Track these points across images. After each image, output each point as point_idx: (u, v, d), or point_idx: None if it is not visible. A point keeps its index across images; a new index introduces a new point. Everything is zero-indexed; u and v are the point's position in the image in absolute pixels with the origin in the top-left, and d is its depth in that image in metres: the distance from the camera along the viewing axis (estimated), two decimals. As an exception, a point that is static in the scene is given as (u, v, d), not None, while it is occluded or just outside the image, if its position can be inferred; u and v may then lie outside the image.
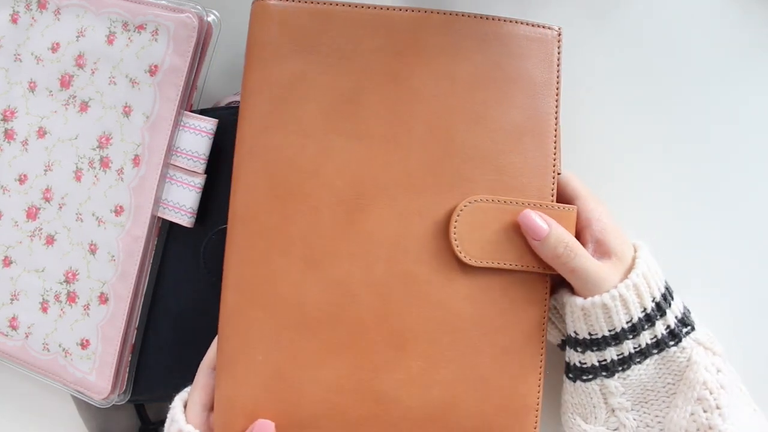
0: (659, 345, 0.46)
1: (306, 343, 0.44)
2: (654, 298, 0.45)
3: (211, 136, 0.49)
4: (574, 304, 0.45)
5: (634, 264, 0.46)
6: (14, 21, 0.52)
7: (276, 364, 0.44)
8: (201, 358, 0.51)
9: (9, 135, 0.52)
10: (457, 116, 0.46)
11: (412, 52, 0.46)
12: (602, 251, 0.46)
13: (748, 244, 0.55)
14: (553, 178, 0.46)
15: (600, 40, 0.56)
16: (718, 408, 0.44)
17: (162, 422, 0.56)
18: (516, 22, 0.46)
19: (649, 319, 0.45)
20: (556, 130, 0.47)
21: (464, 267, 0.45)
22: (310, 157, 0.45)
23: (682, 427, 0.44)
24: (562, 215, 0.46)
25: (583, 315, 0.45)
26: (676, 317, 0.46)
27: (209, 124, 0.49)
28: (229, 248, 0.45)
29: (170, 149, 0.49)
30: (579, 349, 0.46)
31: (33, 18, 0.52)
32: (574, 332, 0.46)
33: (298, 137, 0.45)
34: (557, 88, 0.47)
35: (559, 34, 0.47)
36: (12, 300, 0.52)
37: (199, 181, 0.49)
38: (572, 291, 0.46)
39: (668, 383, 0.46)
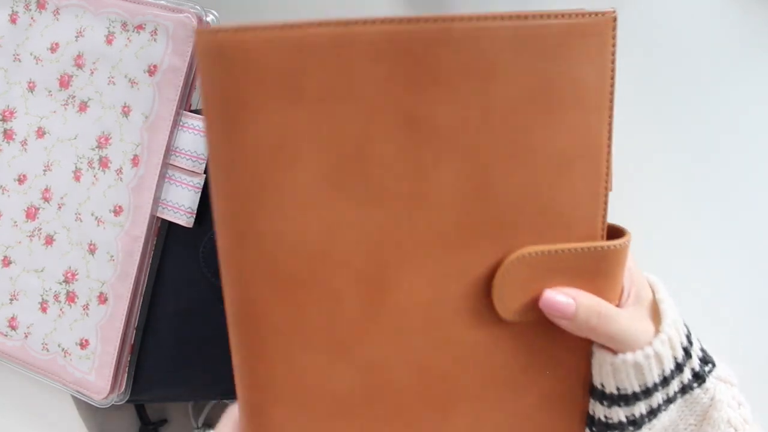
0: (685, 389, 0.43)
1: (345, 430, 0.39)
2: (682, 344, 0.43)
3: (211, 136, 0.49)
4: (603, 359, 0.42)
5: (660, 311, 0.42)
6: (13, 21, 0.52)
7: None
8: (200, 358, 0.51)
9: (8, 135, 0.52)
10: (494, 154, 0.36)
11: (430, 80, 0.34)
12: (634, 296, 0.43)
13: (748, 243, 0.55)
14: (605, 204, 0.39)
15: None
16: None
17: (162, 422, 0.56)
18: (560, 15, 0.35)
19: (679, 368, 0.43)
20: (609, 146, 0.38)
21: (508, 322, 0.39)
22: (316, 235, 0.35)
23: None
24: (616, 253, 0.39)
25: (612, 371, 0.42)
26: (698, 357, 0.44)
27: (208, 124, 0.49)
28: (237, 347, 0.37)
29: (169, 149, 0.49)
30: (605, 403, 0.43)
31: (32, 18, 0.52)
32: (601, 384, 0.43)
33: (297, 213, 0.34)
34: (611, 92, 0.37)
35: (614, 19, 0.36)
36: (11, 300, 0.53)
37: (199, 181, 0.49)
38: (601, 347, 0.43)
39: (690, 424, 0.44)
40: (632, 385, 0.42)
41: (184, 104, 0.50)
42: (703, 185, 0.56)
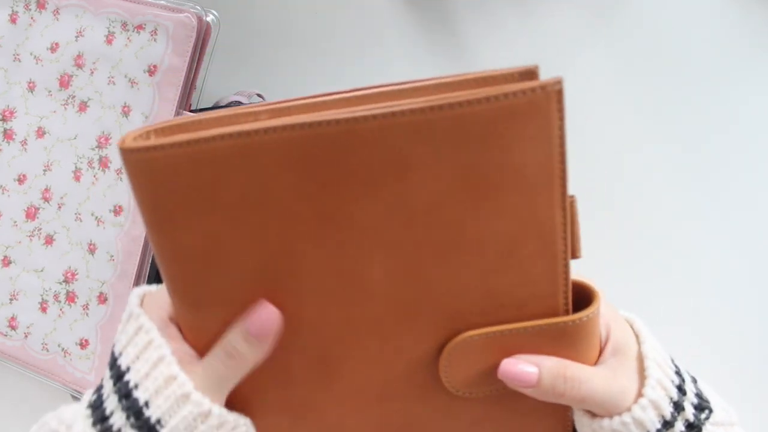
0: None
1: None
2: (671, 399, 0.39)
3: (210, 136, 0.49)
4: (581, 422, 0.39)
5: (645, 368, 0.39)
6: (13, 21, 0.52)
7: None
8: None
9: (8, 135, 0.52)
10: (424, 248, 0.34)
11: (342, 182, 0.32)
12: (613, 349, 0.39)
13: (748, 242, 0.55)
14: (566, 278, 0.36)
15: (599, 40, 0.56)
16: None
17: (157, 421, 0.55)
18: (485, 100, 0.30)
19: (668, 425, 0.39)
20: (564, 219, 0.34)
21: (464, 398, 0.38)
22: None
23: None
24: (582, 326, 0.36)
25: None
26: (692, 405, 0.40)
27: (208, 123, 0.49)
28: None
29: (169, 149, 0.49)
30: None
31: (32, 18, 0.52)
32: None
33: (234, 312, 0.35)
34: (562, 168, 0.32)
35: (559, 92, 0.31)
36: (11, 300, 0.52)
37: (198, 181, 0.49)
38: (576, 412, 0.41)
39: None
40: None
41: (184, 104, 0.50)
42: (704, 184, 0.55)
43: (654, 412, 0.39)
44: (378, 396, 0.37)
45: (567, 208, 0.34)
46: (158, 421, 0.34)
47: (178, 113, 0.49)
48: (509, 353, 0.37)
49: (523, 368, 0.37)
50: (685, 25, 0.56)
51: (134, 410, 0.34)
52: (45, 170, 0.51)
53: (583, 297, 0.37)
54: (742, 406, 0.50)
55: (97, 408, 0.36)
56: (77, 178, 0.51)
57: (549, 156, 0.32)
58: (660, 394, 0.39)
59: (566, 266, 0.35)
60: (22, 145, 0.52)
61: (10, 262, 0.52)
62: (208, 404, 0.34)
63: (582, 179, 0.53)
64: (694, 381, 0.41)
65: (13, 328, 0.53)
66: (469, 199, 0.32)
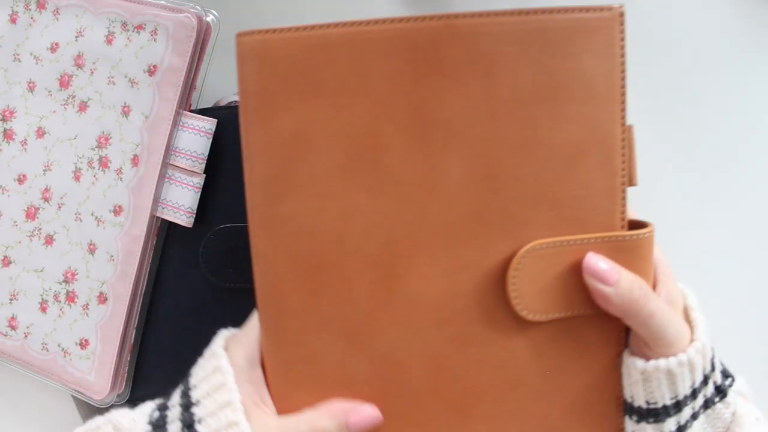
0: (707, 403, 0.41)
1: None
2: (711, 357, 0.40)
3: (210, 136, 0.49)
4: (633, 365, 0.39)
5: (692, 319, 0.40)
6: (13, 21, 0.52)
7: None
8: (199, 358, 0.51)
9: (8, 135, 0.52)
10: (501, 146, 0.37)
11: (437, 74, 0.36)
12: (666, 297, 0.40)
13: (749, 242, 0.55)
14: (623, 198, 0.38)
15: None
16: None
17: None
18: (564, 10, 0.36)
19: (705, 380, 0.40)
20: (623, 138, 0.38)
21: (526, 321, 0.38)
22: (332, 222, 0.37)
23: None
24: (640, 244, 0.38)
25: (642, 380, 0.39)
26: (720, 370, 0.42)
27: (208, 123, 0.49)
28: (263, 330, 0.39)
29: (169, 149, 0.49)
30: (635, 418, 0.40)
31: (32, 18, 0.52)
32: (631, 397, 0.40)
33: (314, 201, 0.37)
34: (623, 86, 0.37)
35: (621, 15, 0.37)
36: (11, 300, 0.53)
37: (198, 181, 0.49)
38: (629, 349, 0.40)
39: None
40: (663, 397, 0.39)
41: (184, 104, 0.50)
42: (705, 184, 0.56)
43: (701, 360, 0.39)
44: (438, 320, 0.38)
45: (626, 127, 0.38)
46: None
47: (178, 113, 0.49)
48: (573, 270, 0.38)
49: (605, 265, 0.37)
50: (685, 25, 0.56)
51: None
52: (45, 170, 0.52)
53: (636, 228, 0.39)
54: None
55: (159, 427, 0.37)
56: (77, 178, 0.51)
57: (612, 70, 0.37)
58: (708, 344, 0.40)
59: (624, 186, 0.38)
60: (22, 145, 0.52)
61: (10, 262, 0.52)
62: None
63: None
64: (722, 360, 0.42)
65: (13, 328, 0.53)
66: (545, 101, 0.36)
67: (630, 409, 0.40)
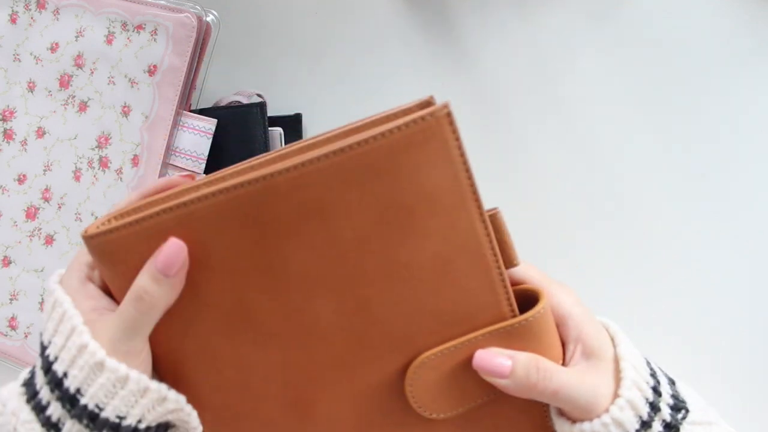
0: None
1: None
2: (647, 399, 0.39)
3: (210, 136, 0.49)
4: (561, 428, 0.39)
5: (620, 369, 0.39)
6: (13, 21, 0.52)
7: None
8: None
9: (8, 135, 0.52)
10: (362, 280, 0.36)
11: (273, 233, 0.35)
12: (586, 352, 0.39)
13: (747, 243, 0.55)
14: (504, 287, 0.37)
15: (600, 40, 0.56)
16: None
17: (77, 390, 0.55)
18: (382, 135, 0.33)
19: (646, 425, 0.39)
20: (487, 229, 0.36)
21: (437, 421, 0.39)
22: (233, 377, 0.38)
23: None
24: (531, 326, 0.38)
25: None
26: (668, 405, 0.41)
27: (208, 124, 0.49)
28: None
29: (169, 149, 0.49)
30: None
31: (32, 18, 0.52)
32: None
33: (211, 362, 0.38)
34: (471, 183, 0.35)
35: (448, 114, 0.33)
36: (11, 300, 0.52)
37: (198, 181, 0.49)
38: (559, 411, 0.40)
39: None
40: None
41: (184, 104, 0.50)
42: (706, 184, 0.55)
43: (632, 412, 0.39)
44: None
45: (486, 221, 0.35)
46: (78, 390, 0.35)
47: (178, 113, 0.49)
48: (467, 365, 0.37)
49: (498, 360, 0.37)
50: (685, 25, 0.56)
51: (55, 382, 0.35)
52: (45, 170, 0.51)
53: (533, 301, 0.38)
54: (741, 408, 0.50)
55: (29, 385, 0.37)
56: (77, 178, 0.51)
57: (454, 176, 0.34)
58: (636, 394, 0.39)
59: (501, 275, 0.37)
60: (22, 145, 0.52)
61: (10, 262, 0.52)
62: (124, 369, 0.35)
63: (582, 179, 0.53)
64: (672, 383, 0.41)
65: (13, 328, 0.53)
66: (392, 229, 0.35)
67: None
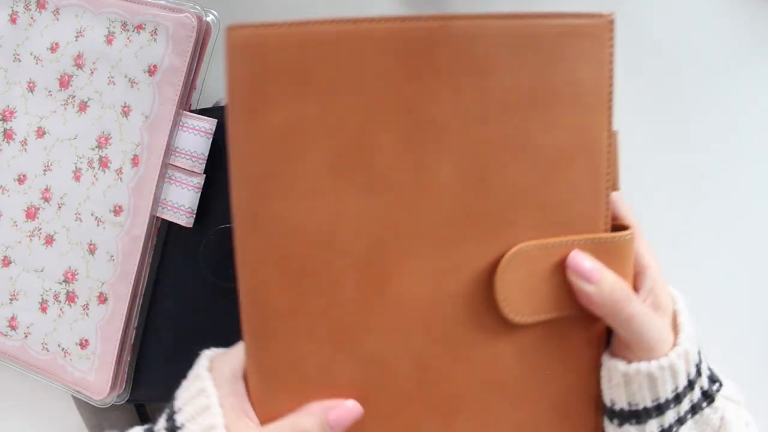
0: (695, 408, 0.41)
1: None
2: (695, 362, 0.41)
3: (210, 136, 0.49)
4: (614, 368, 0.39)
5: (678, 323, 0.41)
6: (13, 21, 0.52)
7: None
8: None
9: (8, 135, 0.52)
10: (491, 149, 0.37)
11: (431, 75, 0.36)
12: (655, 303, 0.40)
13: (750, 242, 0.55)
14: (607, 202, 0.39)
15: None
16: None
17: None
18: (557, 16, 0.36)
19: (691, 385, 0.40)
20: (609, 144, 0.38)
21: (510, 323, 0.38)
22: (320, 222, 0.37)
23: None
24: (620, 245, 0.39)
25: (624, 382, 0.40)
26: (707, 375, 0.42)
27: (208, 124, 0.49)
28: (246, 334, 0.39)
29: (169, 149, 0.49)
30: (615, 422, 0.41)
31: (32, 18, 0.52)
32: (611, 401, 0.40)
33: (303, 200, 0.36)
34: (610, 92, 0.38)
35: (611, 22, 0.37)
36: (11, 300, 0.52)
37: (198, 181, 0.49)
38: (610, 352, 0.41)
39: None
40: (644, 400, 0.39)
41: (184, 104, 0.50)
42: (708, 185, 0.55)
43: (684, 365, 0.40)
44: (425, 322, 0.38)
45: (612, 134, 0.38)
46: None
47: (178, 113, 0.49)
48: (558, 271, 0.38)
49: (589, 264, 0.38)
50: (685, 25, 0.56)
51: None
52: (45, 170, 0.51)
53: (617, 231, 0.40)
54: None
55: None
56: (77, 178, 0.51)
57: (601, 77, 0.37)
58: (691, 348, 0.40)
59: (608, 191, 0.39)
60: (22, 145, 0.52)
61: (10, 262, 0.52)
62: None
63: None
64: (710, 365, 0.43)
65: (13, 328, 0.53)
66: (536, 104, 0.37)
67: (611, 413, 0.41)
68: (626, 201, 0.56)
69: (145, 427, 0.39)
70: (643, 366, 0.39)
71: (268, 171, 0.36)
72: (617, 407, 0.40)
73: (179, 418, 0.37)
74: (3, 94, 0.53)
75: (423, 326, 0.38)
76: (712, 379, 0.42)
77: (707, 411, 0.41)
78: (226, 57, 0.36)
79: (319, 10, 0.57)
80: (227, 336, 0.50)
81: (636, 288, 0.40)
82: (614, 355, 0.40)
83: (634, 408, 0.40)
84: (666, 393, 0.39)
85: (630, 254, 0.40)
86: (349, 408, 0.38)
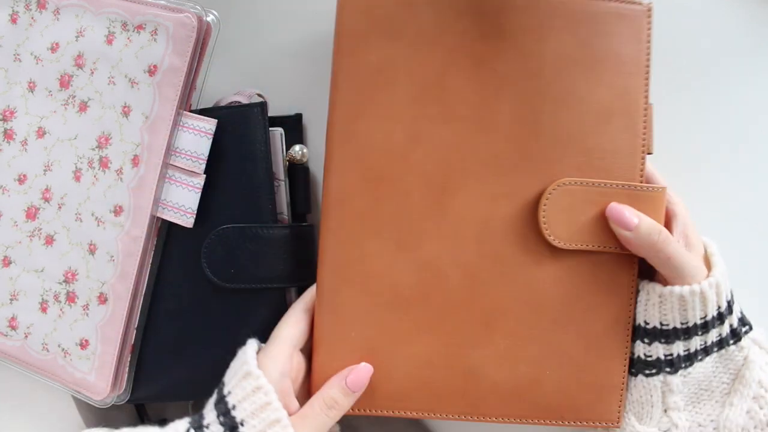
0: (721, 343, 0.46)
1: (398, 321, 0.46)
2: (727, 297, 0.46)
3: (211, 136, 0.49)
4: (652, 290, 0.45)
5: (712, 262, 0.46)
6: (14, 21, 0.52)
7: (369, 340, 0.46)
8: (201, 358, 0.51)
9: (8, 135, 0.52)
10: (544, 98, 0.46)
11: (496, 34, 0.46)
12: (687, 244, 0.46)
13: (750, 242, 0.55)
14: (642, 158, 0.46)
15: None
16: None
17: (162, 421, 0.56)
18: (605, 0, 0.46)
19: (720, 318, 0.45)
20: (646, 110, 0.46)
21: (552, 248, 0.46)
22: (399, 141, 0.46)
23: (739, 425, 0.45)
24: (653, 196, 0.46)
25: (659, 302, 0.45)
26: (738, 316, 0.46)
27: (208, 124, 0.49)
28: (324, 230, 0.47)
29: (169, 149, 0.49)
30: (646, 340, 0.46)
31: (32, 18, 0.52)
32: (645, 321, 0.46)
33: (387, 123, 0.46)
34: (647, 66, 0.46)
35: (649, 10, 0.46)
36: (11, 300, 0.52)
37: (198, 181, 0.49)
38: (650, 280, 0.46)
39: (723, 382, 0.46)
40: (674, 320, 0.44)
41: (184, 104, 0.50)
42: (709, 185, 0.55)
43: (715, 296, 0.45)
44: (477, 237, 0.46)
45: (648, 101, 0.46)
46: None
47: (178, 113, 0.49)
48: (594, 208, 0.45)
49: (628, 213, 0.44)
50: (685, 25, 0.56)
51: None
52: (45, 170, 0.51)
53: None
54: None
55: None
56: (77, 178, 0.51)
57: (639, 52, 0.46)
58: (723, 282, 0.45)
59: (644, 149, 0.46)
60: (23, 145, 0.52)
61: (10, 263, 0.52)
62: None
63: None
64: (743, 311, 0.47)
65: (13, 328, 0.53)
66: (582, 66, 0.46)
67: (644, 332, 0.46)
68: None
69: (191, 419, 0.43)
70: (676, 289, 0.44)
71: (360, 97, 0.46)
72: (650, 326, 0.45)
73: (238, 414, 0.42)
74: (3, 94, 0.53)
75: (476, 241, 0.46)
76: (743, 322, 0.46)
77: (732, 348, 0.46)
78: (338, 7, 0.46)
79: (319, 9, 0.57)
80: (227, 336, 0.50)
81: (669, 231, 0.45)
82: (653, 280, 0.46)
83: (665, 327, 0.45)
84: (695, 318, 0.44)
85: (662, 205, 0.46)
86: (361, 369, 0.45)
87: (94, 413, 0.57)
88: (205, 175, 0.49)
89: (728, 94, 0.56)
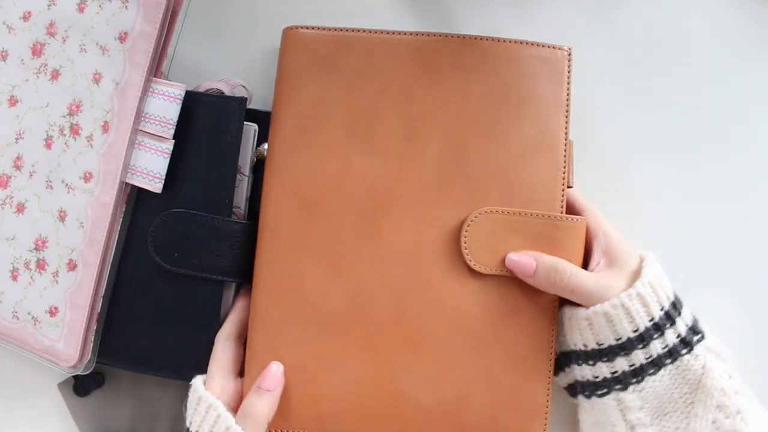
0: (672, 354, 0.45)
1: (328, 343, 0.48)
2: (662, 307, 0.45)
3: (180, 102, 0.49)
4: (577, 315, 0.46)
5: (641, 273, 0.46)
6: (-12, -9, 0.53)
7: (300, 360, 0.48)
8: (148, 333, 0.50)
9: (-17, 105, 0.53)
10: (470, 133, 0.48)
11: (425, 73, 0.49)
12: (610, 262, 0.47)
13: (750, 242, 0.54)
14: (563, 191, 0.48)
15: (600, 41, 0.56)
16: (739, 413, 0.44)
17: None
18: (527, 43, 0.49)
19: (658, 328, 0.45)
20: (566, 146, 0.48)
21: (475, 273, 0.47)
22: (332, 172, 0.48)
23: None
24: (572, 226, 0.48)
25: (588, 325, 0.46)
26: (686, 325, 0.46)
27: (177, 89, 0.49)
28: (258, 255, 0.49)
29: (139, 115, 0.49)
30: (590, 362, 0.46)
31: (7, -11, 0.52)
32: (583, 345, 0.46)
33: (322, 154, 0.49)
34: (567, 106, 0.48)
35: (569, 54, 0.49)
36: (-16, 270, 0.52)
37: (167, 146, 0.49)
38: (576, 306, 0.47)
39: (685, 393, 0.45)
40: (608, 338, 0.45)
41: (154, 70, 0.50)
42: (710, 186, 0.55)
43: (640, 305, 0.45)
44: (405, 262, 0.48)
45: (568, 139, 0.49)
46: None
47: (148, 80, 0.49)
48: (516, 236, 0.47)
49: (525, 259, 0.46)
50: (686, 25, 0.55)
51: None
52: (17, 138, 0.52)
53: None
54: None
55: None
56: (48, 146, 0.51)
57: (560, 93, 0.49)
58: (648, 291, 0.45)
59: (564, 182, 0.48)
60: (-3, 116, 0.52)
61: (-17, 232, 0.52)
62: None
63: (582, 179, 0.52)
64: (696, 318, 0.47)
65: (-15, 297, 0.52)
66: (506, 104, 0.48)
67: (585, 356, 0.46)
68: (626, 201, 0.55)
69: None
70: (598, 307, 0.45)
71: (299, 128, 0.49)
72: (589, 348, 0.46)
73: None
74: (-22, 64, 0.53)
75: (404, 266, 0.48)
76: (695, 330, 0.46)
77: (687, 358, 0.45)
78: (281, 47, 0.50)
79: (319, 9, 0.56)
80: (169, 315, 0.51)
81: (590, 251, 0.48)
82: (574, 305, 0.47)
83: (602, 346, 0.45)
84: (626, 332, 0.45)
85: (581, 234, 0.48)
86: (271, 370, 0.47)
87: (82, 403, 0.56)
88: (173, 140, 0.49)
89: (728, 94, 0.55)
